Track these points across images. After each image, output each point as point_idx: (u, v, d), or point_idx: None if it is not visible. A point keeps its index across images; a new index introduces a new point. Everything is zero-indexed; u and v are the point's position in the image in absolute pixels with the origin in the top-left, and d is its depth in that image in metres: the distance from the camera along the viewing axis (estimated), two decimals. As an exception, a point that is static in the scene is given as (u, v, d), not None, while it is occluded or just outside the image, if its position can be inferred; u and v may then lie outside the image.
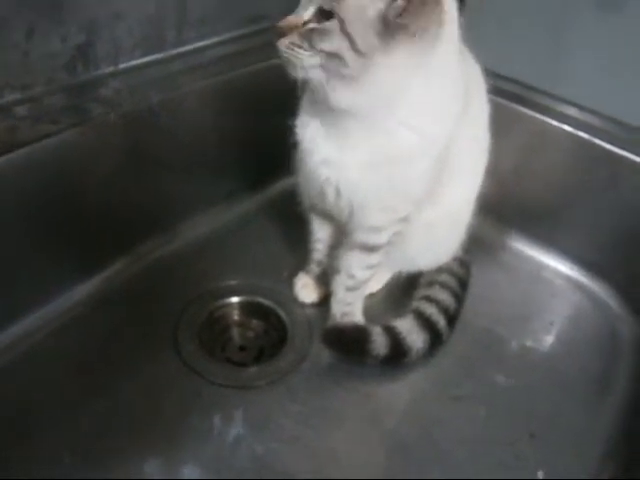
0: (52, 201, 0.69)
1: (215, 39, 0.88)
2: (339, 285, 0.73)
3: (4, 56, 0.65)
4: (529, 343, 0.79)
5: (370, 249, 0.68)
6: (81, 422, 0.63)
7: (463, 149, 0.66)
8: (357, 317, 0.75)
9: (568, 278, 0.88)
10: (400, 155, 0.59)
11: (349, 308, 0.74)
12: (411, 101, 0.57)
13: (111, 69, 0.76)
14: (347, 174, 0.62)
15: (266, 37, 0.92)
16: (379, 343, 0.69)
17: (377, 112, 0.57)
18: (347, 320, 0.74)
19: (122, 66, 0.78)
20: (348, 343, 0.70)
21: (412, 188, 0.63)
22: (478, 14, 1.22)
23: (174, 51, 0.83)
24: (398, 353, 0.70)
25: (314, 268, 0.79)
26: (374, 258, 0.69)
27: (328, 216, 0.71)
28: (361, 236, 0.67)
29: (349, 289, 0.72)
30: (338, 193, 0.64)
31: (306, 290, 0.79)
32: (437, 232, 0.73)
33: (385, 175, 0.61)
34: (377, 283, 0.82)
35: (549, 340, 0.80)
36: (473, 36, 1.21)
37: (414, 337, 0.71)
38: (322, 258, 0.78)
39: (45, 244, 0.70)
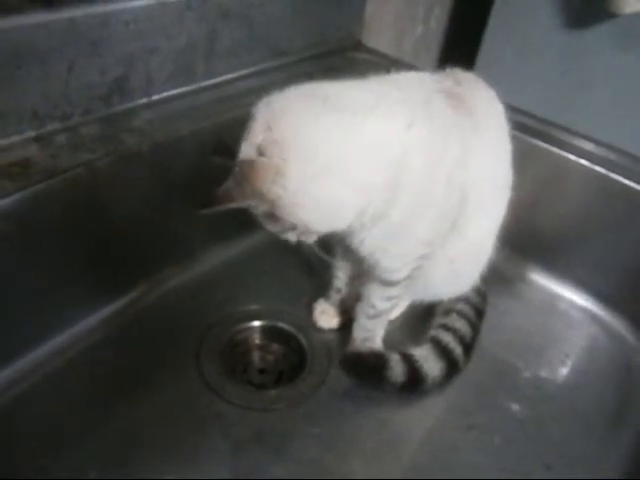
0: (84, 225, 0.71)
1: (242, 72, 0.92)
2: (361, 312, 0.74)
3: (47, 87, 0.69)
4: (544, 374, 0.79)
5: (389, 283, 0.69)
6: (105, 439, 0.65)
7: (484, 188, 0.68)
8: (377, 344, 0.76)
9: (584, 310, 0.89)
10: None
11: (370, 334, 0.76)
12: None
13: (144, 100, 0.80)
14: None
15: (289, 71, 0.97)
16: (396, 370, 0.70)
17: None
18: (367, 345, 0.75)
19: (154, 97, 0.81)
20: (366, 369, 0.72)
21: (408, 236, 0.63)
22: (497, 48, 1.26)
23: (203, 83, 0.87)
24: (415, 380, 0.71)
25: (334, 295, 0.81)
26: (394, 291, 0.70)
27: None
28: (379, 273, 0.69)
29: (370, 317, 0.74)
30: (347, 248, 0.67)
31: (324, 316, 0.81)
32: (460, 265, 0.74)
33: (380, 230, 0.62)
34: (396, 310, 0.83)
35: (564, 371, 0.81)
36: (493, 70, 1.24)
37: (431, 365, 0.72)
38: (342, 286, 0.80)
39: (76, 266, 0.73)
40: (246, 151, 0.55)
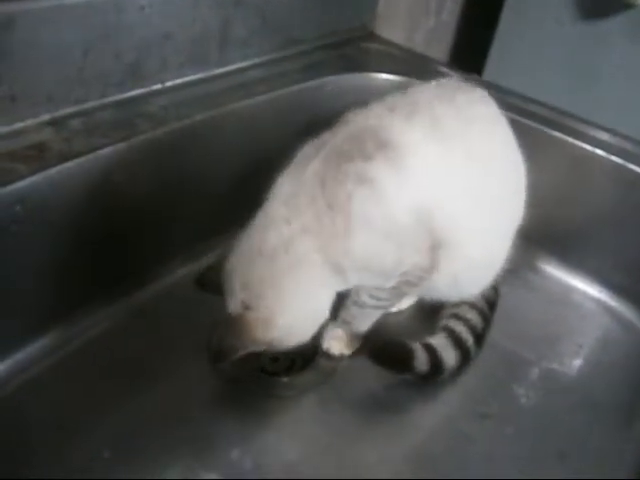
0: (98, 210, 0.71)
1: (255, 60, 0.92)
2: (350, 296, 0.73)
3: (61, 71, 0.69)
4: (557, 364, 0.79)
5: (377, 287, 0.69)
6: (119, 422, 0.65)
7: (463, 206, 0.66)
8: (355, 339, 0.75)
9: (597, 301, 0.88)
10: None
11: (351, 320, 0.74)
12: None
13: (158, 86, 0.80)
14: None
15: (302, 60, 0.97)
16: (422, 359, 0.70)
17: None
18: (345, 328, 0.75)
19: (168, 84, 0.81)
20: (395, 360, 0.71)
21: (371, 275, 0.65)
22: (510, 40, 1.25)
23: (217, 71, 0.86)
24: (436, 370, 0.71)
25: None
26: (381, 293, 0.69)
27: None
28: None
29: (354, 303, 0.72)
30: None
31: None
32: (464, 279, 0.73)
33: None
34: (405, 302, 0.83)
35: (578, 362, 0.80)
36: (506, 62, 1.23)
37: (448, 354, 0.72)
38: None
39: (89, 251, 0.73)
40: (234, 307, 0.62)
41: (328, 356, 0.75)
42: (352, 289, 0.71)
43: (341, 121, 0.67)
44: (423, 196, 0.63)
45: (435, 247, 0.66)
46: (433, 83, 0.72)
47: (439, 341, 0.73)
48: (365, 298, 0.70)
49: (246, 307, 0.61)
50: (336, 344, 0.76)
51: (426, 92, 0.70)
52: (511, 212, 0.74)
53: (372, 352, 0.71)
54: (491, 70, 1.26)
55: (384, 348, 0.72)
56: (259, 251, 0.61)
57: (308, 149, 0.65)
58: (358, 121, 0.65)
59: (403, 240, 0.64)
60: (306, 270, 0.61)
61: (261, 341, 0.61)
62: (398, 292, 0.70)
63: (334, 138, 0.64)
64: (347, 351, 0.76)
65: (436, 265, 0.67)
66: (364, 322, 0.75)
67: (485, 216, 0.69)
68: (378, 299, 0.70)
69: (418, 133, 0.64)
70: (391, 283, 0.67)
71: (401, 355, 0.70)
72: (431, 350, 0.71)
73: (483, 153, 0.68)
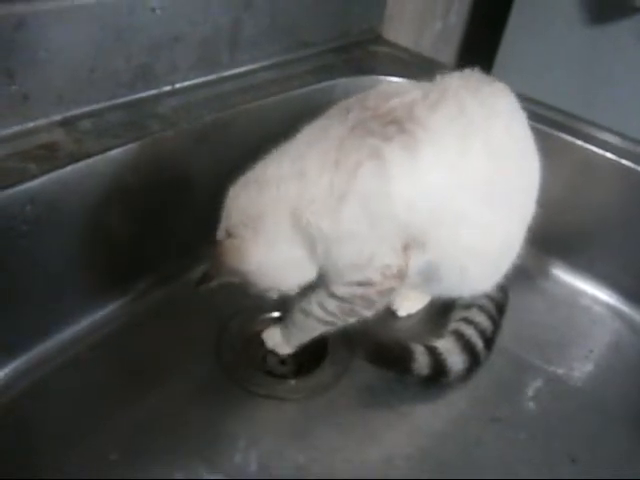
0: (109, 210, 0.71)
1: (265, 63, 0.92)
2: (298, 301, 0.71)
3: (72, 72, 0.69)
4: (568, 370, 0.78)
5: (329, 293, 0.66)
6: (126, 424, 0.65)
7: (462, 198, 0.64)
8: (286, 340, 0.74)
9: (607, 305, 0.88)
10: None
11: (290, 326, 0.72)
12: None
13: (168, 88, 0.80)
14: None
15: (313, 62, 0.97)
16: (422, 362, 0.70)
17: None
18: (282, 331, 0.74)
19: (178, 86, 0.81)
20: (391, 360, 0.71)
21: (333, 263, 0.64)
22: (519, 43, 1.25)
23: (227, 73, 0.87)
24: (439, 373, 0.71)
25: None
26: (330, 304, 0.66)
27: None
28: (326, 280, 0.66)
29: (300, 309, 0.70)
30: None
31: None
32: (471, 271, 0.71)
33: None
34: (416, 305, 0.83)
35: (589, 367, 0.79)
36: (514, 64, 1.23)
37: (455, 358, 0.72)
38: None
39: (100, 250, 0.73)
40: (220, 234, 0.63)
41: (333, 361, 0.75)
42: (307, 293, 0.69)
43: (374, 93, 0.66)
44: (428, 190, 0.62)
45: (408, 247, 0.64)
46: (458, 74, 0.70)
47: (446, 344, 0.72)
48: (314, 306, 0.67)
49: (228, 234, 0.61)
50: (272, 339, 0.75)
51: (454, 82, 0.68)
52: (522, 208, 0.73)
53: (369, 353, 0.71)
54: (499, 73, 1.26)
55: (381, 348, 0.72)
56: (255, 180, 0.62)
57: (336, 113, 0.65)
58: (390, 106, 0.64)
59: (385, 234, 0.62)
60: (287, 214, 0.61)
61: (235, 271, 0.61)
62: (349, 310, 0.66)
63: (365, 113, 0.63)
64: (289, 350, 0.75)
65: (404, 275, 0.65)
66: (302, 333, 0.72)
67: (495, 211, 0.68)
68: (325, 311, 0.67)
69: (440, 126, 0.63)
70: (344, 290, 0.65)
71: (397, 355, 0.70)
72: (435, 353, 0.71)
73: (501, 148, 0.67)
